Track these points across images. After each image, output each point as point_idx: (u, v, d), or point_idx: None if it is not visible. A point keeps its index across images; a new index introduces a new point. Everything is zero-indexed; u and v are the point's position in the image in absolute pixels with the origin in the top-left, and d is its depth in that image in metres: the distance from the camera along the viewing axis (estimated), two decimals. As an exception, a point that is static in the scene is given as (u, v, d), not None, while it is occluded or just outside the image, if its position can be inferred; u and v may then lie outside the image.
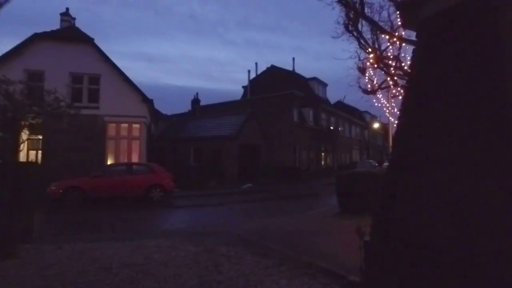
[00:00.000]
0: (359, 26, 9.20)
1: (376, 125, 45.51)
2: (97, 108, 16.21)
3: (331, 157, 34.95)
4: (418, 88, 3.17)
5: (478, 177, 2.58)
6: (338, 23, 9.71)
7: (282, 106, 26.47)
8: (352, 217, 9.16)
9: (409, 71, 3.45)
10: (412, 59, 3.24)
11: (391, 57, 7.92)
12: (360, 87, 9.97)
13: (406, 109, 3.37)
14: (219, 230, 7.38)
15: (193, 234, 6.89)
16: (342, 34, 9.64)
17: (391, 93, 10.14)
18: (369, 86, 9.82)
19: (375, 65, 8.54)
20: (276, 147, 25.93)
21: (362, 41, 9.12)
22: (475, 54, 2.67)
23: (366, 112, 54.41)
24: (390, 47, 7.86)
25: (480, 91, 2.64)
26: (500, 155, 2.52)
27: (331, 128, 33.58)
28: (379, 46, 9.01)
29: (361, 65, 10.38)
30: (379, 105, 10.17)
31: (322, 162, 33.19)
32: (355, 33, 9.60)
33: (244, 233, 7.00)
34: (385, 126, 60.94)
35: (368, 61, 9.44)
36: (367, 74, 9.74)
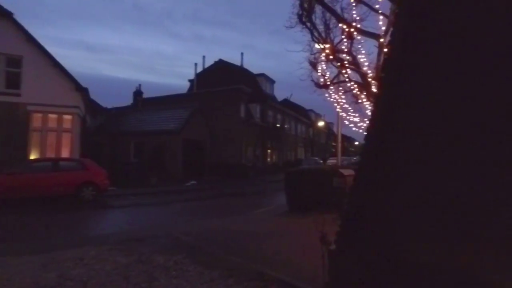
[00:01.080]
0: (313, 17, 8.88)
1: (321, 124, 46.81)
2: (18, 95, 14.12)
3: (277, 154, 35.09)
4: (399, 80, 2.70)
5: (474, 179, 2.16)
6: (293, 13, 9.33)
7: (229, 101, 25.80)
8: (302, 215, 8.85)
9: (383, 60, 2.92)
10: (391, 45, 2.72)
11: (346, 50, 7.67)
12: (312, 80, 9.68)
13: (381, 104, 2.90)
14: (158, 234, 6.52)
15: (126, 240, 5.94)
16: (296, 25, 9.26)
17: (343, 88, 10.04)
18: (321, 80, 9.57)
19: (331, 57, 8.27)
20: (222, 143, 25.20)
21: (315, 33, 8.82)
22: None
23: (311, 110, 55.90)
24: (345, 40, 7.60)
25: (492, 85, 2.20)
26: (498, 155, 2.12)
27: (278, 125, 33.67)
28: (332, 39, 8.76)
29: (313, 59, 10.11)
30: (331, 99, 9.99)
31: (268, 159, 33.16)
32: (308, 25, 9.26)
33: (187, 236, 6.24)
34: (328, 125, 63.09)
35: (321, 54, 9.18)
36: (319, 68, 9.47)
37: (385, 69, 2.96)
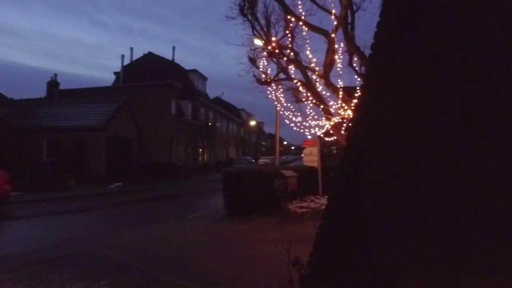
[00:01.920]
0: (255, 10, 8.39)
1: (252, 123, 47.09)
2: None
3: (208, 153, 34.20)
4: (386, 80, 2.27)
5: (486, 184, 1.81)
6: (234, 3, 8.72)
7: (159, 97, 24.25)
8: (243, 220, 8.34)
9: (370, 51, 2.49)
10: (378, 34, 2.26)
11: (289, 46, 7.31)
12: (254, 76, 9.17)
13: (365, 106, 2.46)
14: (75, 252, 5.43)
15: (30, 263, 4.76)
16: (237, 16, 8.67)
17: (286, 85, 9.73)
18: (263, 76, 9.13)
19: (274, 51, 7.86)
20: (151, 141, 23.55)
21: (257, 27, 8.34)
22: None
23: (243, 109, 56.00)
24: (289, 35, 7.22)
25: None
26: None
27: (210, 123, 32.80)
28: (273, 35, 8.34)
29: (253, 55, 9.61)
30: (272, 97, 9.62)
31: (200, 158, 32.12)
32: (250, 17, 8.75)
33: (112, 252, 5.27)
34: (259, 124, 63.95)
35: (262, 50, 8.75)
36: (261, 65, 9.04)
37: (370, 67, 2.55)
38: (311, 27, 6.49)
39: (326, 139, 10.03)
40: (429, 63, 2.10)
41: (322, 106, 8.34)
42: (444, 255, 1.97)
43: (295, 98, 10.09)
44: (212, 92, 36.57)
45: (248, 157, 33.13)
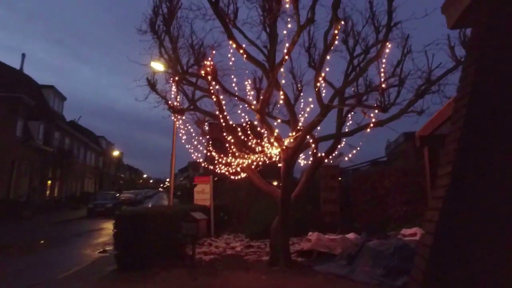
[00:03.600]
0: (171, 28, 7.07)
1: (115, 153, 42.45)
2: None
3: (59, 186, 28.46)
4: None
5: None
6: (146, 15, 7.16)
7: (1, 113, 19.02)
8: (143, 278, 6.47)
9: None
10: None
11: (211, 65, 6.25)
12: (168, 103, 7.57)
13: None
14: None
15: None
16: (148, 32, 7.16)
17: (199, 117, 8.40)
18: (176, 103, 7.64)
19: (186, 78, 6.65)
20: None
21: (166, 48, 6.96)
22: None
23: (103, 137, 50.11)
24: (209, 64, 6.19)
25: None
26: None
27: (65, 150, 27.63)
28: (179, 58, 7.09)
29: (152, 79, 8.14)
30: (186, 128, 8.18)
31: (48, 192, 26.31)
32: (162, 35, 7.39)
33: None
34: (120, 155, 58.07)
35: (172, 75, 7.37)
36: (173, 91, 7.55)
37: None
38: (250, 58, 5.72)
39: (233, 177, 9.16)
40: None
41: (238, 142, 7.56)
42: None
43: (201, 131, 8.95)
44: (66, 115, 31.31)
45: (113, 192, 29.00)
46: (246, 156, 7.62)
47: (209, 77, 6.24)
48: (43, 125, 23.66)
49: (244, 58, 5.72)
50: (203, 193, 12.61)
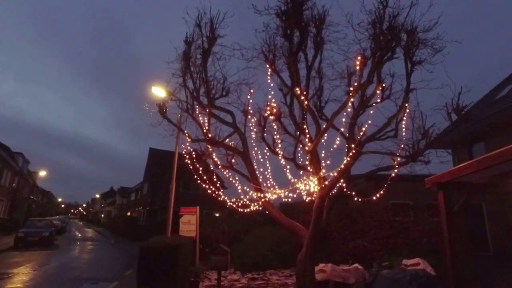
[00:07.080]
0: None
1: (42, 173, 38.14)
2: None
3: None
4: None
5: None
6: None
7: None
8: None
9: None
10: None
11: (276, 106, 6.77)
12: (186, 134, 7.78)
13: None
14: None
15: None
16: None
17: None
18: (210, 134, 7.73)
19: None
20: None
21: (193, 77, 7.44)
22: None
23: (20, 154, 44.29)
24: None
25: None
26: None
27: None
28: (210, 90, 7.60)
29: (162, 105, 8.37)
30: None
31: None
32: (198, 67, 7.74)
33: None
34: (33, 175, 51.49)
35: (206, 108, 7.67)
36: (206, 123, 7.67)
37: None
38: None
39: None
40: None
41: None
42: None
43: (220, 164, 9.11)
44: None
45: (47, 219, 25.82)
46: (268, 191, 8.10)
47: (272, 117, 6.77)
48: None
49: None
50: (189, 224, 12.39)
